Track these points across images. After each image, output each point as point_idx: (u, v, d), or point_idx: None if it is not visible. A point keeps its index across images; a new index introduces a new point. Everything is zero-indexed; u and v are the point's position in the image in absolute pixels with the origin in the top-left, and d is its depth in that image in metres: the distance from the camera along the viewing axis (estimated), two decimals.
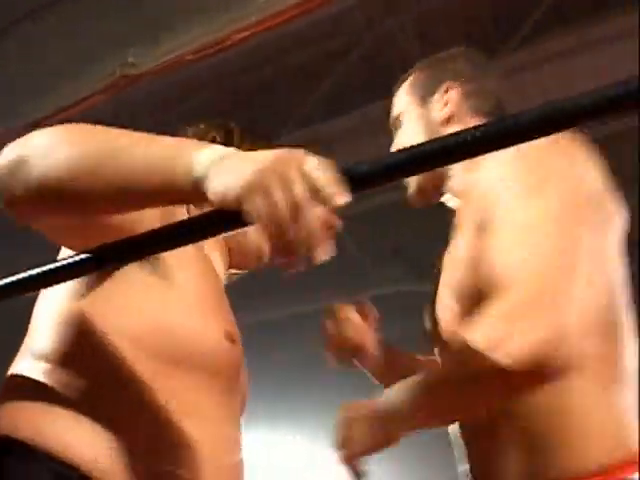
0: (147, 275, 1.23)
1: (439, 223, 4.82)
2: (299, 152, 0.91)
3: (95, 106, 3.37)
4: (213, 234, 0.97)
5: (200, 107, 3.84)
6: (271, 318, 4.86)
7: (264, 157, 0.90)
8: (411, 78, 1.71)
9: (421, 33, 3.53)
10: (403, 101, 1.70)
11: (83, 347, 1.20)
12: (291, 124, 3.96)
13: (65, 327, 1.21)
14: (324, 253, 0.88)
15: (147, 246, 1.00)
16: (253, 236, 1.50)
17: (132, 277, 1.23)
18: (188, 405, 1.22)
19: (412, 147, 0.87)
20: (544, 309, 1.20)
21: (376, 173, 0.89)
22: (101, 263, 1.03)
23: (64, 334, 1.20)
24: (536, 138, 0.81)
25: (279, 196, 0.86)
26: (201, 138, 1.48)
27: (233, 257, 1.53)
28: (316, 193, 0.87)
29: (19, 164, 1.02)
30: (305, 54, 3.80)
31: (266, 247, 1.49)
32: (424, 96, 1.66)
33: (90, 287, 1.22)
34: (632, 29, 2.94)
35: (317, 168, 0.88)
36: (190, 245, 1.27)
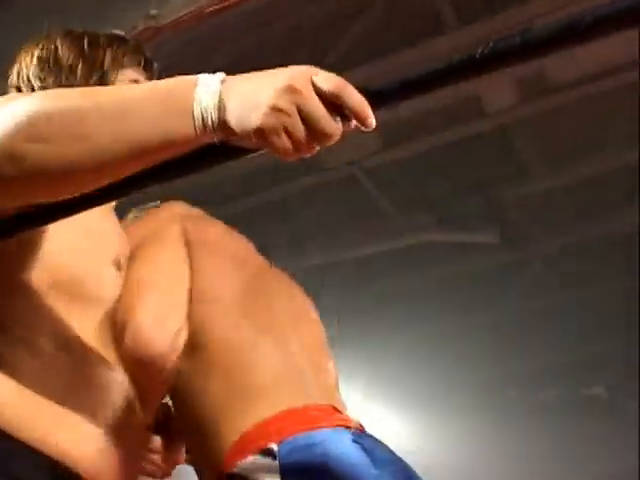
0: None
1: (469, 173, 4.78)
2: (304, 73, 0.89)
3: None
4: (221, 162, 0.97)
5: (223, 59, 3.82)
6: (296, 268, 4.87)
7: (270, 89, 0.88)
8: None
9: None
10: None
11: None
12: None
13: None
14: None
15: (154, 177, 1.00)
16: None
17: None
18: (80, 335, 1.24)
19: (431, 65, 0.86)
20: None
21: (394, 89, 0.88)
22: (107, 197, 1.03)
23: None
24: (546, 54, 0.83)
25: (300, 130, 0.86)
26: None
27: None
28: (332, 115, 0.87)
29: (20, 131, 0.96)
30: (328, 6, 3.75)
31: None
32: None
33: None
34: None
35: (332, 87, 0.87)
36: None
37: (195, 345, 1.46)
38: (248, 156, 0.94)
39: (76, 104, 0.98)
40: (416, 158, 4.17)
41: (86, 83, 1.41)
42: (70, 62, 1.42)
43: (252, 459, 1.32)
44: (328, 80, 0.88)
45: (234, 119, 0.90)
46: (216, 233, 1.65)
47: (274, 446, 1.32)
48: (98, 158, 0.95)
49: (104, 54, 1.44)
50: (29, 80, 1.42)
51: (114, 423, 1.25)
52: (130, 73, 1.47)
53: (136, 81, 1.46)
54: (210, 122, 0.91)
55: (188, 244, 1.56)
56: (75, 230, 1.26)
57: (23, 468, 1.14)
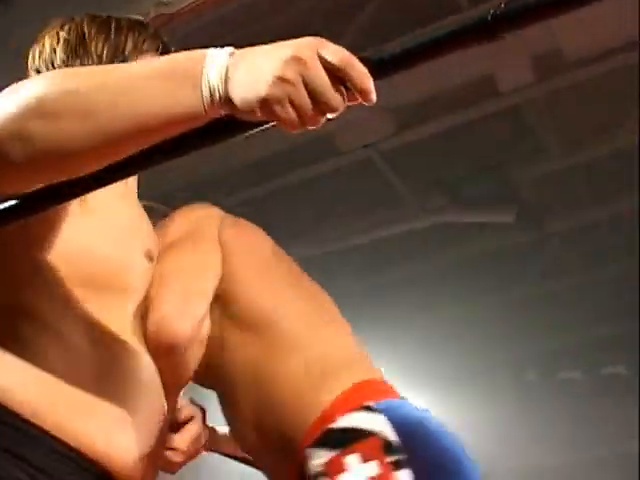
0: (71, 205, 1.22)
1: (485, 153, 4.75)
2: (311, 45, 0.89)
3: None
4: (229, 137, 0.96)
5: (235, 45, 3.80)
6: (313, 253, 4.87)
7: (276, 60, 0.88)
8: None
9: None
10: None
11: (8, 268, 1.20)
12: None
13: None
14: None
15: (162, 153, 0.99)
16: None
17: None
18: (108, 325, 1.24)
19: (432, 32, 0.85)
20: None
21: (397, 58, 0.87)
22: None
23: None
24: (560, 13, 0.81)
25: (305, 101, 0.86)
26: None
27: None
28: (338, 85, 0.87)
29: (26, 117, 0.96)
30: None
31: None
32: None
33: None
34: None
35: (338, 60, 0.87)
36: None
37: (262, 330, 1.53)
38: (254, 130, 0.94)
39: (83, 83, 0.97)
40: (431, 139, 4.16)
41: None
42: (98, 48, 1.42)
43: (353, 414, 1.42)
44: (334, 52, 0.88)
45: (240, 91, 0.89)
46: (254, 234, 1.68)
47: (372, 403, 1.43)
48: (103, 135, 0.94)
49: (126, 40, 1.44)
50: (52, 64, 1.42)
51: (142, 416, 1.24)
52: (148, 58, 1.47)
53: None
54: (217, 95, 0.91)
55: (227, 243, 1.58)
56: (106, 221, 1.27)
57: (44, 456, 1.13)
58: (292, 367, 1.50)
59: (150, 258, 1.36)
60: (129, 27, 1.46)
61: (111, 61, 1.41)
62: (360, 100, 0.89)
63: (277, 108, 0.87)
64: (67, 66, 1.41)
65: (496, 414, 6.61)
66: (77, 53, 1.41)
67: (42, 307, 1.20)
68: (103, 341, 1.23)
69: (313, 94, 0.87)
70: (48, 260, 1.20)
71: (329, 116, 0.89)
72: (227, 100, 0.91)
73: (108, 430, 1.19)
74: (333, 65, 0.87)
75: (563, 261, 5.35)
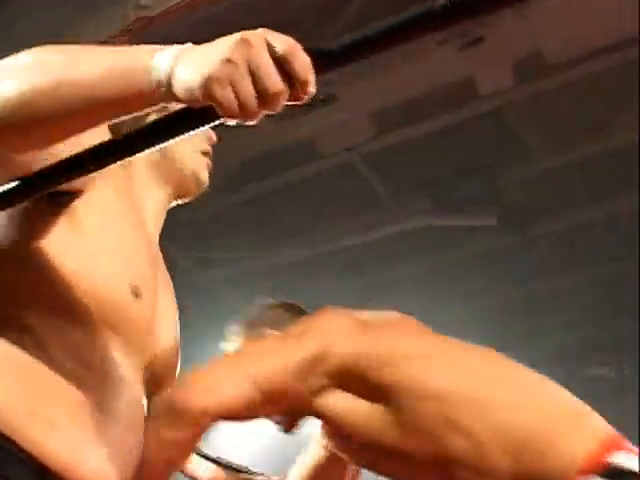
0: (55, 217, 1.21)
1: (467, 156, 4.74)
2: (260, 33, 0.90)
3: None
4: (181, 134, 0.96)
5: None
6: (300, 256, 4.87)
7: (225, 44, 0.89)
8: None
9: None
10: None
11: None
12: None
13: None
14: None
15: (116, 152, 1.00)
16: (187, 163, 1.51)
17: (40, 218, 1.20)
18: (88, 359, 1.21)
19: (383, 23, 0.85)
20: None
21: (347, 49, 0.88)
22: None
23: None
24: (511, 4, 0.80)
25: (247, 85, 0.86)
26: None
27: (174, 190, 1.52)
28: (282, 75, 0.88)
29: None
30: None
31: (203, 173, 1.53)
32: None
33: None
34: None
35: (284, 49, 0.88)
36: (110, 188, 1.28)
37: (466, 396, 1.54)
38: (207, 125, 0.93)
39: (57, 57, 1.02)
40: (413, 142, 4.16)
41: None
42: None
43: (622, 453, 1.47)
44: (282, 41, 0.89)
45: (187, 74, 0.90)
46: (387, 325, 1.71)
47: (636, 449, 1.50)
48: (55, 109, 0.97)
49: None
50: None
51: (116, 443, 1.22)
52: None
53: None
54: (166, 80, 0.92)
55: (359, 351, 1.55)
56: (103, 249, 1.25)
57: (6, 464, 1.11)
58: (537, 415, 1.53)
59: (136, 294, 1.30)
60: None
61: None
62: (300, 94, 0.88)
63: (217, 90, 0.87)
64: None
65: None
66: None
67: (20, 312, 1.18)
68: (82, 360, 1.21)
69: (256, 79, 0.87)
70: (34, 273, 1.19)
71: (270, 111, 0.89)
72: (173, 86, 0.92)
73: (74, 445, 1.16)
74: (279, 54, 0.87)
75: (551, 263, 5.35)
